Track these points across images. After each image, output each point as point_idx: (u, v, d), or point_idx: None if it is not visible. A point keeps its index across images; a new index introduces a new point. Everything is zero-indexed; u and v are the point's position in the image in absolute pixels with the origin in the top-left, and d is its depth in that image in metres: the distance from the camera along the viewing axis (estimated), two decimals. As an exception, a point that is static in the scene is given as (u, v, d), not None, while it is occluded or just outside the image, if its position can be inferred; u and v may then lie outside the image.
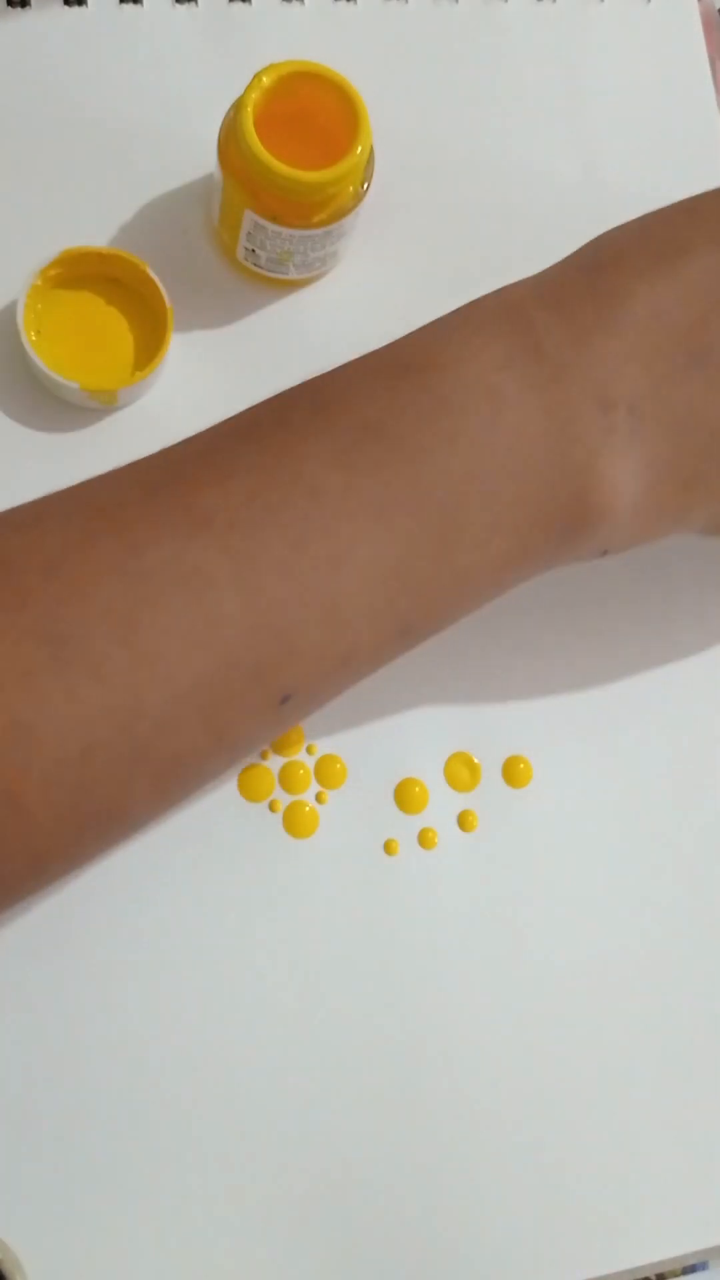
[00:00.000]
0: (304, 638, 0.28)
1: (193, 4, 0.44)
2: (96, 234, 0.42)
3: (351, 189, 0.39)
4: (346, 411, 0.30)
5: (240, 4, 0.45)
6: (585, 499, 0.30)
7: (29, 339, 0.39)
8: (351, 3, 0.46)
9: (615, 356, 0.30)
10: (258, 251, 0.40)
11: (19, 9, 0.43)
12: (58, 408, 0.40)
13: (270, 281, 0.42)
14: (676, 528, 0.32)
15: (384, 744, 0.40)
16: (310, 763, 0.39)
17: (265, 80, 0.37)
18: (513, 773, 0.40)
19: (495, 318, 0.31)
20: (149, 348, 0.40)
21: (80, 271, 0.40)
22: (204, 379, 0.42)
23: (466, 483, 0.29)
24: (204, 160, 0.42)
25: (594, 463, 0.30)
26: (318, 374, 0.31)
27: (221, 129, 0.39)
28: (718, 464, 0.31)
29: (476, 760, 0.40)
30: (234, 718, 0.29)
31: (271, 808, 0.39)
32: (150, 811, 0.29)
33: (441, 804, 0.40)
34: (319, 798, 0.39)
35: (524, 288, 0.32)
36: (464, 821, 0.40)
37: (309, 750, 0.39)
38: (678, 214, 0.32)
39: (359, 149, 0.37)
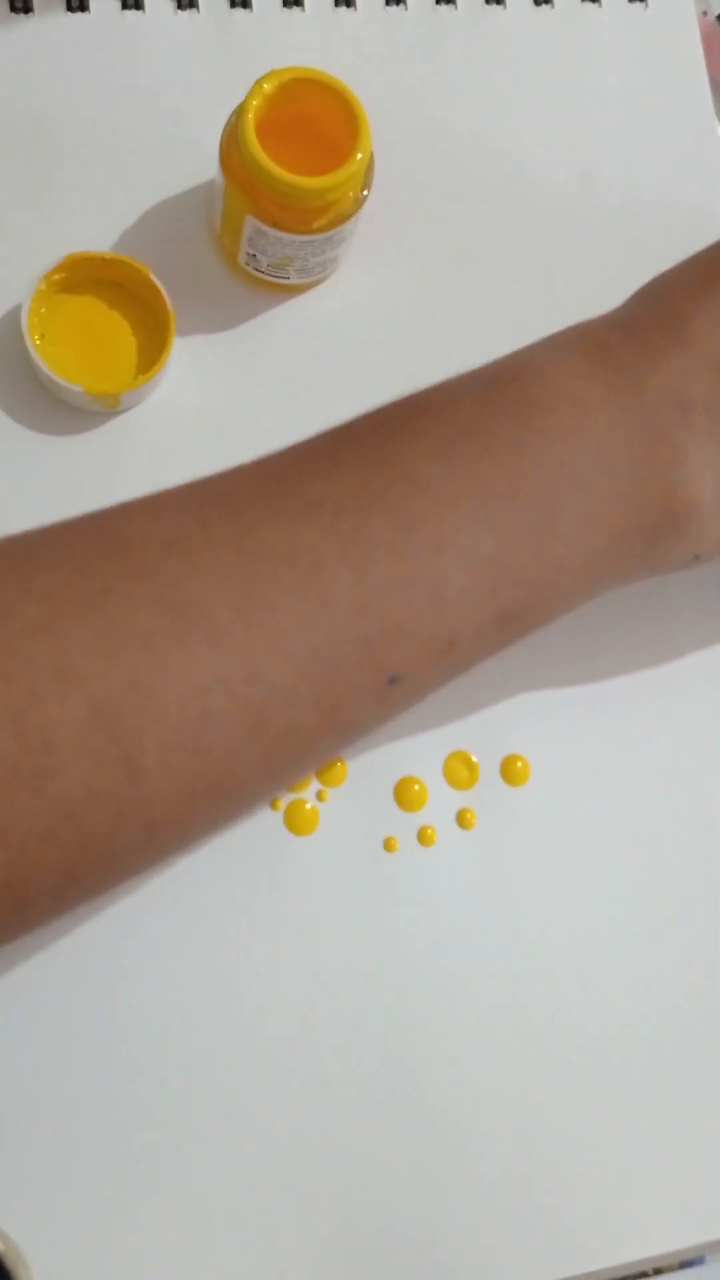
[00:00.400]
0: (410, 618, 0.29)
1: (194, 10, 0.45)
2: (100, 239, 0.42)
3: (352, 194, 0.39)
4: (442, 415, 0.31)
5: (242, 10, 0.45)
6: (673, 493, 0.32)
7: (33, 343, 0.39)
8: (352, 9, 0.46)
9: (685, 366, 0.32)
10: (259, 256, 0.41)
11: (22, 15, 0.44)
12: (61, 411, 0.41)
13: (271, 286, 0.43)
14: None
15: (383, 743, 0.40)
16: (311, 762, 0.40)
17: (266, 86, 0.37)
18: (511, 771, 0.41)
19: (574, 340, 0.33)
20: (152, 351, 0.41)
21: (84, 276, 0.40)
22: (206, 383, 0.42)
23: (560, 475, 0.31)
24: (206, 166, 0.42)
25: (679, 459, 0.32)
26: (411, 392, 0.33)
27: (223, 135, 0.39)
28: None
29: (475, 759, 0.41)
30: (343, 695, 0.29)
31: (272, 805, 0.39)
32: (260, 785, 0.30)
33: (440, 802, 0.40)
34: (319, 795, 0.40)
35: (594, 321, 0.34)
36: (462, 819, 0.40)
37: (310, 749, 0.40)
38: (714, 250, 0.35)
39: (359, 155, 0.37)
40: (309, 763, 0.31)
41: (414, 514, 0.29)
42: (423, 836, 0.40)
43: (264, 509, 0.29)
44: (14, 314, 0.41)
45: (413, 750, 0.40)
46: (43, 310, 0.40)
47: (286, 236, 0.39)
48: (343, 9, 0.46)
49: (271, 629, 0.28)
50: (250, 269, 0.42)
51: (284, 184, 0.37)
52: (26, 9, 0.44)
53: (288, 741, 0.29)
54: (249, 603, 0.28)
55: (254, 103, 0.37)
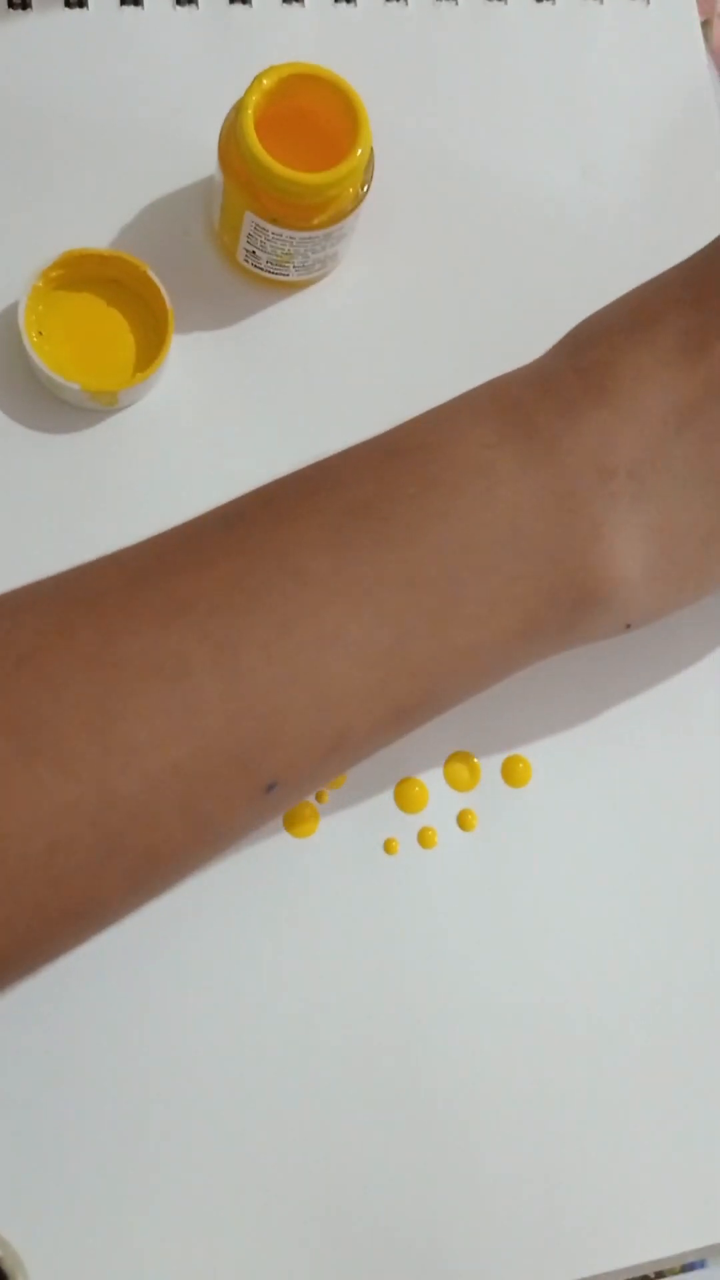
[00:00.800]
0: (289, 722, 0.27)
1: (193, 6, 0.45)
2: (98, 236, 0.42)
3: (351, 191, 0.39)
4: (334, 494, 0.29)
5: (241, 6, 0.45)
6: (592, 570, 0.29)
7: (30, 340, 0.39)
8: (352, 5, 0.46)
9: (607, 424, 0.30)
10: (258, 253, 0.41)
11: (20, 11, 0.43)
12: (59, 409, 0.41)
13: (270, 283, 0.42)
14: (703, 589, 0.32)
15: (384, 744, 0.40)
16: (310, 762, 0.39)
17: (266, 82, 0.37)
18: (512, 772, 0.40)
19: (484, 402, 0.31)
20: (150, 349, 0.41)
21: (81, 273, 0.40)
22: (205, 380, 0.42)
23: (463, 560, 0.28)
24: (205, 162, 0.42)
25: (598, 532, 0.29)
26: (303, 465, 0.31)
27: (222, 131, 0.39)
28: None
29: (476, 760, 0.40)
30: (214, 807, 0.28)
31: (272, 807, 0.39)
32: (125, 905, 0.29)
33: (441, 803, 0.40)
34: (319, 797, 0.39)
35: (510, 376, 0.32)
36: (463, 821, 0.40)
37: (309, 750, 0.39)
38: (645, 289, 0.33)
39: (359, 151, 0.37)
40: (182, 874, 0.29)
41: (296, 611, 0.27)
42: (423, 838, 0.40)
43: (131, 611, 0.27)
44: (11, 311, 0.41)
45: (413, 751, 0.40)
46: (40, 307, 0.40)
47: (286, 233, 0.39)
48: (343, 5, 0.46)
49: (130, 748, 0.26)
50: (249, 266, 0.41)
51: (283, 180, 0.37)
52: (25, 5, 0.43)
53: (150, 860, 0.27)
54: (106, 721, 0.26)
55: (253, 98, 0.37)
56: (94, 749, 0.26)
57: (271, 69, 0.37)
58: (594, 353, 0.31)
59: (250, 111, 0.37)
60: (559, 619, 0.30)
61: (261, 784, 0.28)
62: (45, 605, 0.28)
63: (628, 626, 0.31)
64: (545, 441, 0.29)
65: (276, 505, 0.29)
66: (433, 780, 0.40)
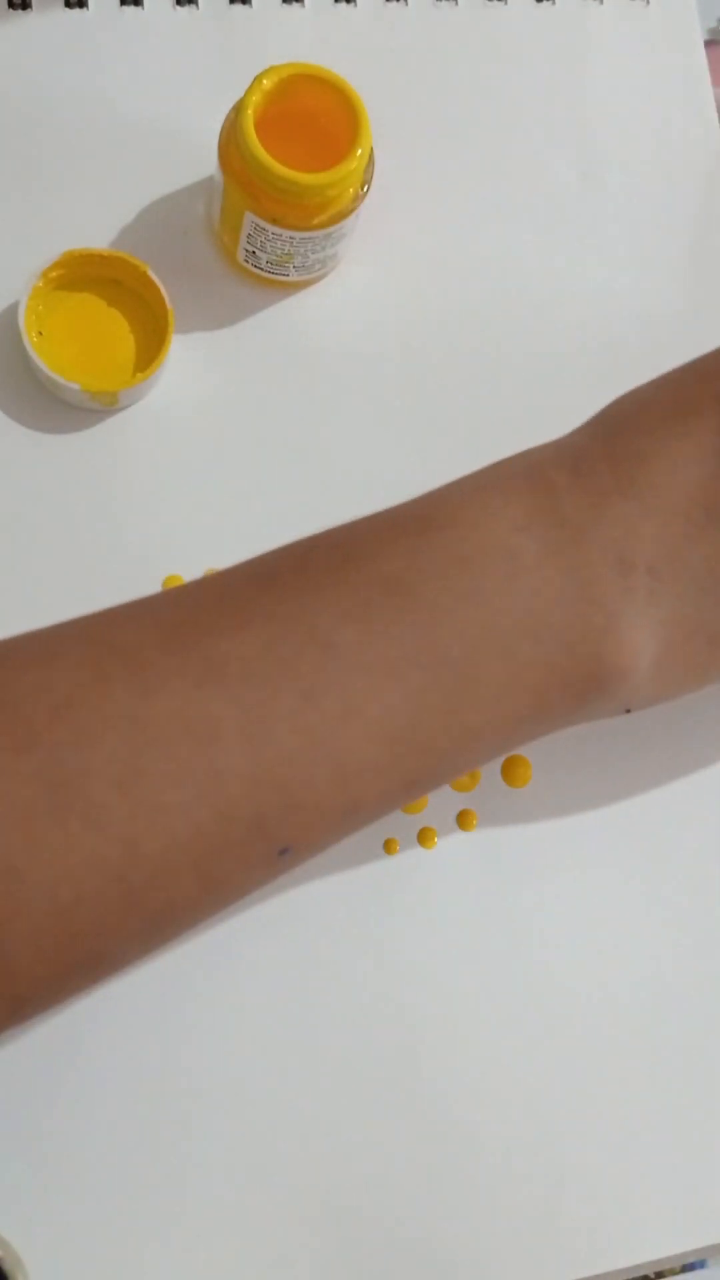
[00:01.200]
0: (308, 791, 0.28)
1: (193, 6, 0.45)
2: (98, 236, 0.42)
3: (351, 191, 0.39)
4: (366, 565, 0.30)
5: (241, 6, 0.45)
6: (603, 660, 0.30)
7: (30, 340, 0.39)
8: (352, 5, 0.46)
9: (632, 518, 0.30)
10: (258, 253, 0.41)
11: (20, 11, 0.43)
12: (59, 409, 0.41)
13: (270, 283, 0.42)
14: (704, 682, 0.32)
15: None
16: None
17: (266, 82, 0.37)
18: (512, 772, 0.40)
19: (516, 478, 0.31)
20: (150, 349, 0.41)
21: (82, 273, 0.40)
22: (205, 380, 0.42)
23: (482, 642, 0.29)
24: (205, 162, 0.42)
25: (613, 625, 0.30)
26: (337, 525, 0.31)
27: (222, 131, 0.39)
28: None
29: (476, 760, 0.40)
30: (229, 868, 0.28)
31: (272, 807, 0.39)
32: (135, 956, 0.29)
33: (441, 803, 0.40)
34: (319, 797, 0.39)
35: (544, 452, 0.32)
36: (463, 821, 0.40)
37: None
38: (686, 375, 0.33)
39: (359, 151, 0.37)
40: (188, 928, 0.30)
41: (322, 682, 0.28)
42: (423, 838, 0.40)
43: (164, 668, 0.28)
44: (11, 311, 0.41)
45: (413, 751, 0.40)
46: (40, 307, 0.40)
47: (286, 233, 0.39)
48: (343, 5, 0.46)
49: (157, 806, 0.27)
50: (249, 266, 0.41)
51: (283, 180, 0.37)
52: (25, 5, 0.43)
53: (166, 915, 0.28)
54: (136, 778, 0.27)
55: (253, 99, 0.37)
56: (123, 806, 0.26)
57: (271, 69, 0.37)
58: (629, 441, 0.31)
59: (250, 111, 0.37)
60: (567, 703, 0.30)
61: (275, 848, 0.29)
62: (81, 654, 0.28)
63: (627, 710, 0.32)
64: (572, 530, 0.30)
65: (309, 572, 0.30)
66: (433, 780, 0.40)
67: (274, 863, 0.29)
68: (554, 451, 0.32)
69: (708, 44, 0.48)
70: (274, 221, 0.39)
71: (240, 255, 0.41)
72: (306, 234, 0.39)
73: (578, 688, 0.30)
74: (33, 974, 0.27)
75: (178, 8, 0.44)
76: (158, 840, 0.27)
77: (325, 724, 0.28)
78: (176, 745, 0.27)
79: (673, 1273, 0.40)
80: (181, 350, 0.42)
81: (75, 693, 0.27)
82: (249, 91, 0.37)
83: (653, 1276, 0.40)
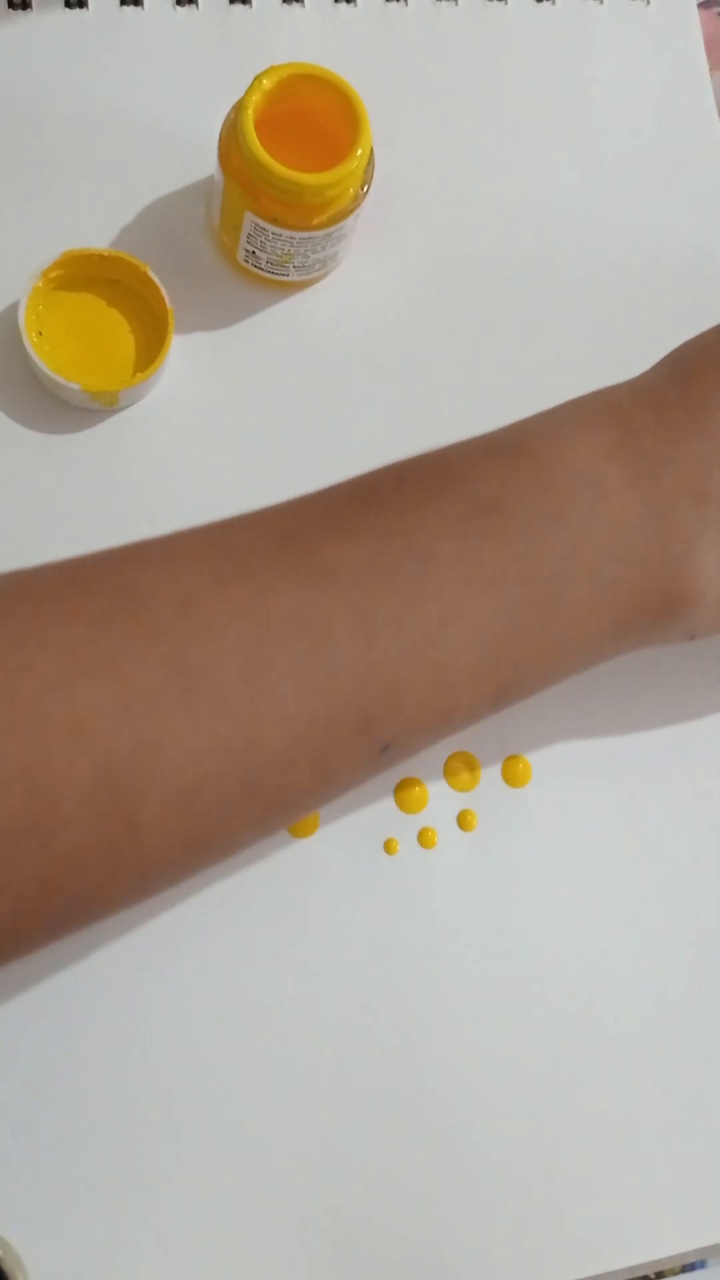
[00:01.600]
0: (410, 692, 0.30)
1: (193, 6, 0.44)
2: (98, 236, 0.42)
3: (352, 191, 0.39)
4: (463, 485, 0.31)
5: (241, 6, 0.45)
6: (680, 584, 0.32)
7: (30, 340, 0.39)
8: (352, 4, 0.46)
9: (708, 456, 0.32)
10: (258, 253, 0.41)
11: (20, 11, 0.43)
12: (59, 409, 0.41)
13: (270, 283, 0.42)
14: None
15: (384, 744, 0.40)
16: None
17: (266, 82, 0.37)
18: (512, 772, 0.40)
19: (599, 413, 0.33)
20: (150, 349, 0.41)
21: (82, 273, 0.40)
22: (205, 380, 0.42)
23: (570, 559, 0.31)
24: (205, 162, 0.42)
25: (690, 551, 0.32)
26: (430, 449, 0.33)
27: (222, 131, 0.39)
28: None
29: (476, 760, 0.40)
30: (338, 761, 0.30)
31: (272, 807, 0.39)
32: (250, 839, 0.31)
33: (441, 803, 0.40)
34: (319, 797, 0.39)
35: (622, 391, 0.34)
36: (463, 821, 0.40)
37: (309, 750, 0.39)
38: None
39: (359, 151, 0.37)
40: (297, 817, 0.31)
41: (424, 591, 0.30)
42: (423, 838, 0.40)
43: (278, 571, 0.29)
44: (11, 311, 0.41)
45: (413, 751, 0.40)
46: (40, 307, 0.40)
47: (286, 233, 0.39)
48: (343, 5, 0.46)
49: (275, 697, 0.28)
50: (249, 266, 0.41)
51: (283, 180, 0.37)
52: (25, 5, 0.43)
53: (280, 801, 0.30)
54: (256, 670, 0.28)
55: (253, 99, 0.37)
56: (246, 695, 0.28)
57: (271, 69, 0.37)
58: (701, 384, 0.33)
59: (250, 111, 0.37)
60: (644, 623, 0.32)
61: (379, 745, 0.30)
62: (199, 558, 0.30)
63: (692, 636, 0.34)
64: (652, 462, 0.32)
65: (409, 489, 0.31)
66: (433, 780, 0.40)
67: (376, 759, 0.31)
68: (630, 391, 0.34)
69: (701, 5, 0.48)
70: (274, 221, 0.39)
71: (240, 255, 0.41)
72: (306, 234, 0.39)
73: (654, 608, 0.32)
74: (161, 851, 0.28)
75: (178, 8, 0.44)
76: (276, 728, 0.29)
77: (426, 629, 0.30)
78: (292, 642, 0.29)
79: (673, 1273, 0.40)
80: (181, 350, 0.42)
81: (197, 591, 0.29)
82: (249, 91, 0.37)
83: (653, 1276, 0.40)
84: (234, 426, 0.42)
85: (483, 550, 0.30)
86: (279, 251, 0.40)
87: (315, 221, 0.39)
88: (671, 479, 0.32)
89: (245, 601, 0.29)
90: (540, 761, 0.41)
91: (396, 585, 0.30)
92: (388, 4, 0.46)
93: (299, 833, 0.39)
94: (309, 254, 0.40)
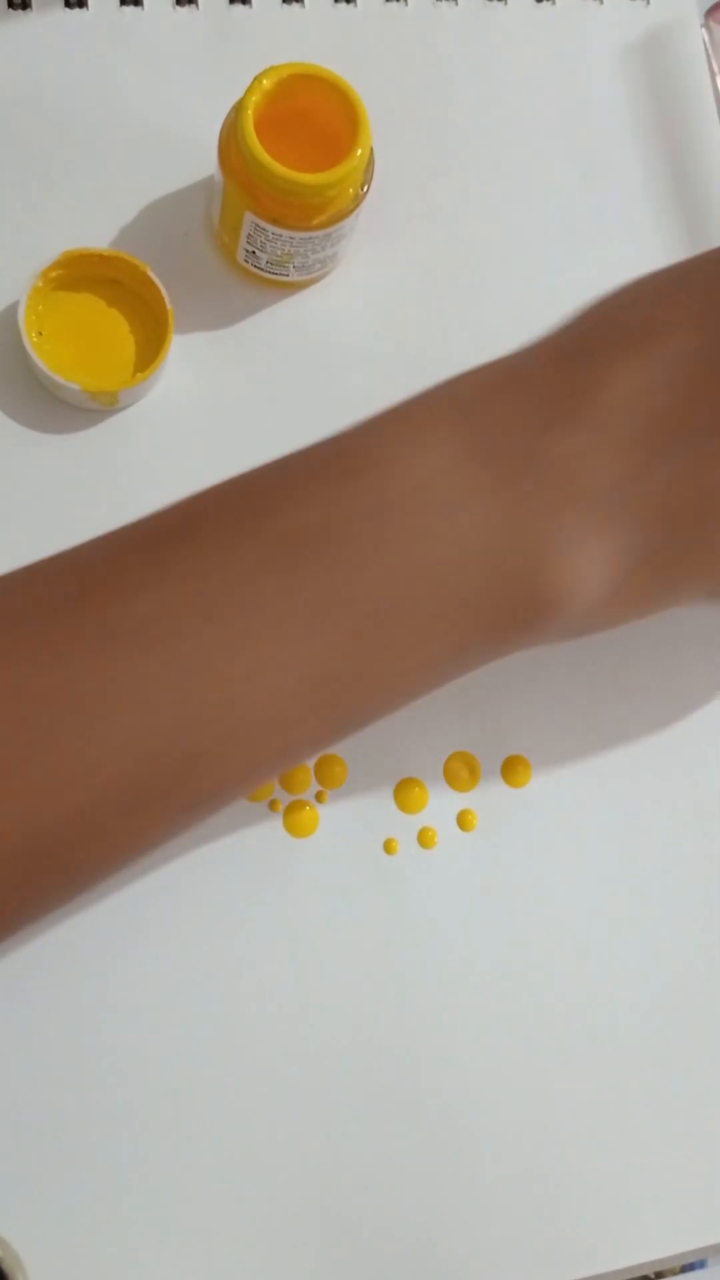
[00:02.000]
0: (204, 761, 0.28)
1: (193, 6, 0.44)
2: (97, 235, 0.42)
3: (351, 191, 0.39)
4: (280, 517, 0.29)
5: (241, 6, 0.45)
6: (547, 589, 0.29)
7: (30, 340, 0.39)
8: (352, 5, 0.46)
9: (586, 446, 0.29)
10: (258, 253, 0.41)
11: (20, 11, 0.43)
12: (59, 409, 0.40)
13: (270, 283, 0.42)
14: (666, 604, 0.32)
15: (384, 744, 0.40)
16: (310, 762, 0.39)
17: (265, 82, 0.37)
18: (512, 772, 0.40)
19: (449, 411, 0.30)
20: (150, 349, 0.41)
21: (81, 273, 0.40)
22: (205, 380, 0.42)
23: (417, 581, 0.28)
24: (204, 162, 0.42)
25: (566, 551, 0.29)
26: (251, 470, 0.30)
27: (222, 131, 0.39)
28: (702, 544, 0.30)
29: (476, 760, 0.40)
30: (137, 827, 0.29)
31: (272, 807, 0.39)
32: (43, 911, 0.30)
33: (441, 803, 0.40)
34: (319, 797, 0.39)
35: (479, 377, 0.30)
36: (463, 821, 0.40)
37: (309, 750, 0.39)
38: (650, 293, 0.31)
39: (359, 151, 0.37)
40: (91, 886, 0.30)
41: (226, 641, 0.28)
42: (423, 838, 0.40)
43: (65, 635, 0.28)
44: (11, 311, 0.41)
45: (413, 751, 0.40)
46: (40, 307, 0.40)
47: (286, 233, 0.39)
48: (342, 5, 0.45)
49: (58, 774, 0.27)
50: (249, 266, 0.41)
51: (283, 180, 0.37)
52: (25, 5, 0.43)
53: (81, 875, 0.29)
54: (33, 752, 0.27)
55: (253, 99, 0.37)
56: (26, 774, 0.27)
57: (271, 69, 0.37)
58: (587, 364, 0.30)
59: (250, 111, 0.37)
60: (513, 631, 0.30)
61: (181, 807, 0.29)
62: (43, 581, 0.29)
63: (582, 633, 0.31)
64: (517, 460, 0.29)
65: (230, 516, 0.29)
66: (433, 780, 0.40)
67: (187, 816, 0.29)
68: (491, 376, 0.30)
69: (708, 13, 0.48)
70: (274, 221, 0.38)
71: (240, 255, 0.41)
72: (306, 234, 0.39)
73: (524, 616, 0.29)
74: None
75: (178, 8, 0.44)
76: (58, 807, 0.27)
77: (228, 685, 0.28)
78: (68, 717, 0.27)
79: (673, 1273, 0.40)
80: (181, 350, 0.42)
81: None
82: (249, 91, 0.37)
83: (653, 1276, 0.40)
84: (234, 426, 0.42)
85: (315, 580, 0.28)
86: (279, 251, 0.40)
87: (315, 221, 0.39)
88: (543, 474, 0.29)
89: (17, 679, 0.27)
90: (540, 761, 0.41)
91: (198, 639, 0.28)
92: (388, 4, 0.46)
93: (299, 833, 0.39)
94: (309, 254, 0.40)
